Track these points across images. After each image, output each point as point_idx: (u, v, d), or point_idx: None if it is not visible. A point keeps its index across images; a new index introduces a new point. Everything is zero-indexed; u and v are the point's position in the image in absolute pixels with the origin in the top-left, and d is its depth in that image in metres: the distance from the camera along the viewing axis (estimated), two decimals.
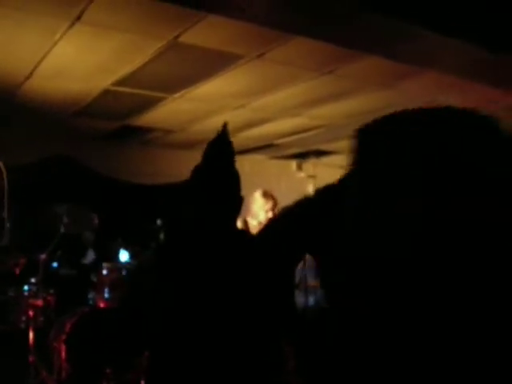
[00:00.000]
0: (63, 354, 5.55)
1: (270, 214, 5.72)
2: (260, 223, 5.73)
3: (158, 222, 6.32)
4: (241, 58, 5.04)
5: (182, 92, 6.06)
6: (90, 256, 6.70)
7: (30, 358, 5.75)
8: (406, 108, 1.31)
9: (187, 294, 2.10)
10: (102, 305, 5.89)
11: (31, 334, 5.78)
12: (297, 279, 6.01)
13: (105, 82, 5.72)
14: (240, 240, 2.34)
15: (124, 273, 5.89)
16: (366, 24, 4.28)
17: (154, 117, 7.11)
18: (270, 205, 5.71)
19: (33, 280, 6.05)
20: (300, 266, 5.84)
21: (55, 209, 6.51)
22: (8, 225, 5.23)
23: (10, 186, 4.77)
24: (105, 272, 6.05)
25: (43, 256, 6.22)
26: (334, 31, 4.47)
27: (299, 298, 6.64)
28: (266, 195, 5.76)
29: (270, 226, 1.88)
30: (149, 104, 6.54)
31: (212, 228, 2.29)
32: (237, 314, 2.13)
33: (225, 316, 2.10)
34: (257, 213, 5.71)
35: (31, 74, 5.43)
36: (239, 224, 5.62)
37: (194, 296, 2.09)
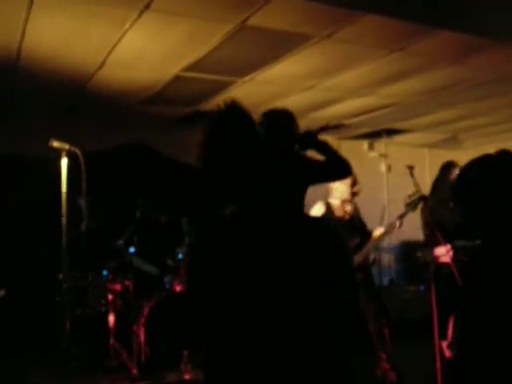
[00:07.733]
0: (142, 336, 5.69)
1: (352, 189, 5.61)
2: (344, 201, 5.63)
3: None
4: (310, 39, 4.99)
5: (252, 75, 6.06)
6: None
7: (111, 341, 5.92)
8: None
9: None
10: (178, 288, 6.00)
11: (111, 318, 5.94)
12: (371, 258, 5.90)
13: (175, 68, 5.77)
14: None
15: None
16: None
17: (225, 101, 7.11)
18: (350, 180, 5.59)
19: (111, 265, 6.21)
20: (375, 245, 5.75)
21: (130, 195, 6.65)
22: (85, 211, 5.36)
23: (86, 173, 4.88)
24: (180, 256, 6.15)
25: (120, 242, 6.38)
26: (406, 7, 4.38)
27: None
28: None
29: None
30: (219, 88, 6.56)
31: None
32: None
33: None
34: (339, 190, 5.59)
35: (103, 63, 5.53)
36: (322, 207, 5.55)
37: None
